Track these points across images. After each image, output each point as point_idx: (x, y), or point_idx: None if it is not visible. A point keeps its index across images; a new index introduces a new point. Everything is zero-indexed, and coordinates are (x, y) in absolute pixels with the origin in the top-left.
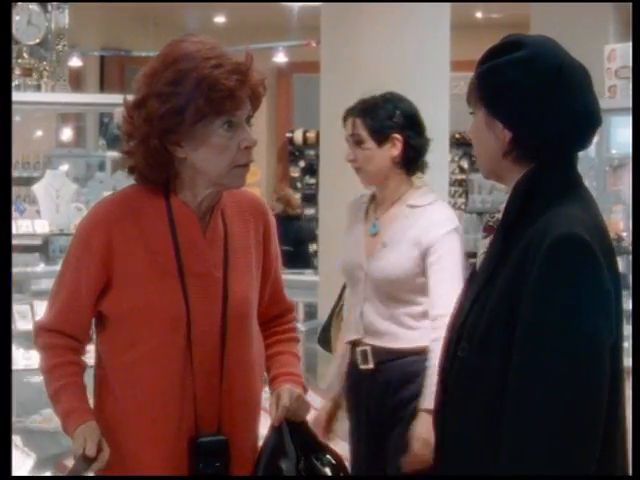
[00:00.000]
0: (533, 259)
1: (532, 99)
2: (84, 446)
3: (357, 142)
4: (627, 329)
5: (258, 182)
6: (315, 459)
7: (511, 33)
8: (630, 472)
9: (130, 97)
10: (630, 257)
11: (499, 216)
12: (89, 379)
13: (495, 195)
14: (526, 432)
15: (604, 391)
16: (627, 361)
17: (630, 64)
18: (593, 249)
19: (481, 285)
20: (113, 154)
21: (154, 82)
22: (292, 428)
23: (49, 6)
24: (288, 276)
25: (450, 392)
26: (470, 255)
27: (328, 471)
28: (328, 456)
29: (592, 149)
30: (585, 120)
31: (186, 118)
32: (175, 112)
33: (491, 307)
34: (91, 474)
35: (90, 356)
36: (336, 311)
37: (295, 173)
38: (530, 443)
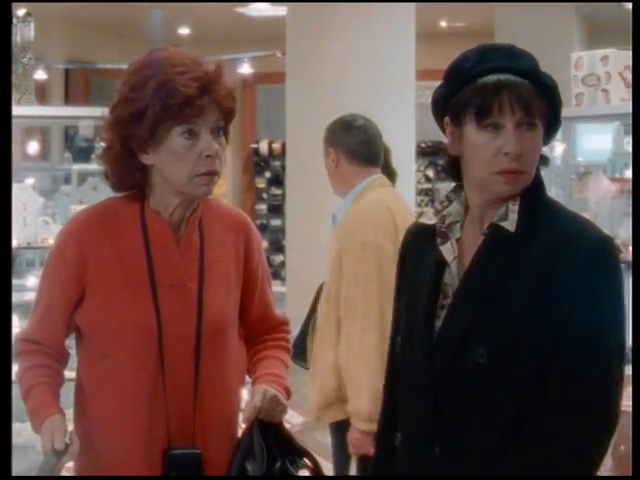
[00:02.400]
0: (568, 263)
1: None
2: (52, 440)
3: None
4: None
5: (224, 194)
6: (290, 462)
7: (476, 43)
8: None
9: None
10: None
11: (450, 220)
12: (70, 391)
13: None
14: (571, 427)
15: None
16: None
17: (596, 72)
18: None
19: (491, 290)
20: (79, 167)
21: (122, 88)
22: (267, 429)
23: (14, 19)
24: None
25: (455, 401)
26: None
27: (303, 474)
28: (305, 459)
29: (558, 157)
30: None
31: (144, 123)
32: (135, 117)
33: (515, 312)
34: (69, 474)
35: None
36: (310, 322)
37: (261, 184)
38: (578, 440)
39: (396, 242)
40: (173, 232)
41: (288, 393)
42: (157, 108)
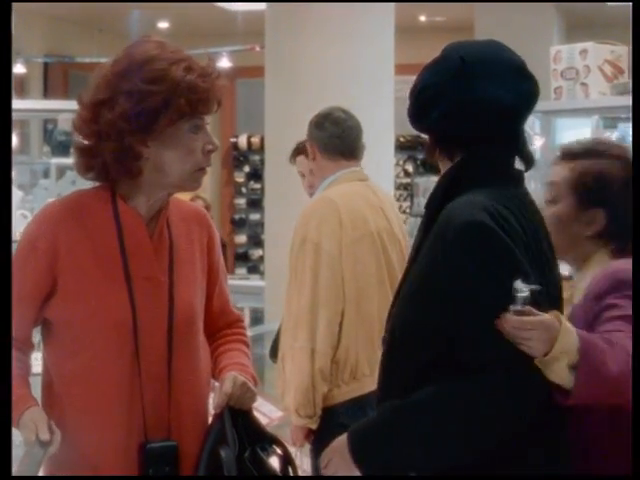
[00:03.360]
0: (439, 249)
1: (434, 95)
2: (35, 431)
3: None
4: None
5: (203, 188)
6: (260, 449)
7: (455, 38)
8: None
9: (86, 95)
10: None
11: None
12: (37, 386)
13: None
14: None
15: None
16: None
17: (575, 65)
18: (499, 234)
19: (402, 277)
20: (58, 161)
21: (124, 81)
22: (236, 416)
23: None
24: (234, 281)
25: (379, 387)
26: None
27: (273, 461)
28: (274, 446)
29: (537, 150)
30: (490, 107)
31: (162, 118)
32: (152, 111)
33: (405, 298)
34: (42, 474)
35: (38, 364)
36: None
37: (240, 178)
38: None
39: (339, 239)
40: (146, 225)
41: (255, 382)
42: (182, 103)
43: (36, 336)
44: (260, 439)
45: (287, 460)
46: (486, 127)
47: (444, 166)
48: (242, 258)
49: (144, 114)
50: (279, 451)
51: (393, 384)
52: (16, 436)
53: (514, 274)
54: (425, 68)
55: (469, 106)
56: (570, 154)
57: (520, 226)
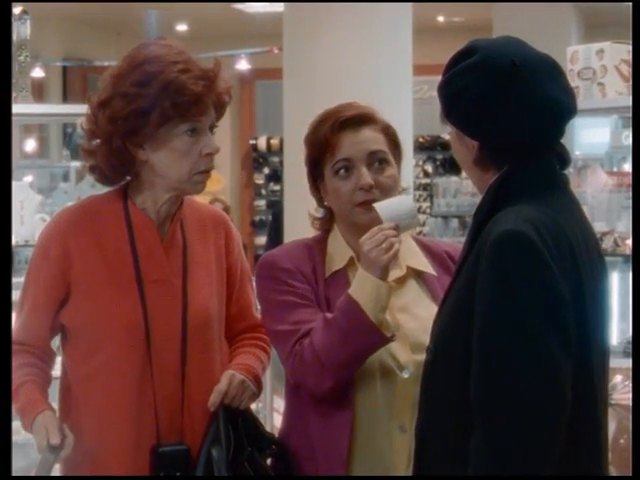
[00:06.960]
0: (479, 258)
1: (486, 102)
2: (47, 437)
3: None
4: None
5: (222, 190)
6: (259, 450)
7: (474, 38)
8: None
9: (94, 96)
10: None
11: None
12: (55, 390)
13: (460, 199)
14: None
15: (561, 385)
16: (627, 362)
17: (592, 65)
18: (537, 247)
19: (447, 290)
20: (77, 164)
21: (120, 83)
22: (235, 416)
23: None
24: (254, 283)
25: (423, 399)
26: None
27: (270, 462)
28: (274, 447)
29: None
30: (549, 111)
31: (150, 120)
32: (140, 113)
33: (450, 309)
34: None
35: (57, 368)
36: None
37: (259, 180)
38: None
39: None
40: (157, 229)
41: (258, 383)
42: (166, 106)
43: (58, 341)
44: (259, 439)
45: (287, 461)
46: (548, 133)
47: (485, 174)
48: None
49: (131, 117)
50: (278, 451)
51: (435, 396)
52: (17, 433)
53: (545, 293)
54: (464, 71)
55: (533, 113)
56: None
57: (568, 240)
